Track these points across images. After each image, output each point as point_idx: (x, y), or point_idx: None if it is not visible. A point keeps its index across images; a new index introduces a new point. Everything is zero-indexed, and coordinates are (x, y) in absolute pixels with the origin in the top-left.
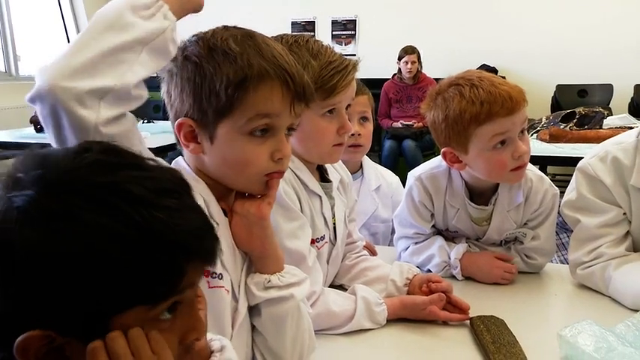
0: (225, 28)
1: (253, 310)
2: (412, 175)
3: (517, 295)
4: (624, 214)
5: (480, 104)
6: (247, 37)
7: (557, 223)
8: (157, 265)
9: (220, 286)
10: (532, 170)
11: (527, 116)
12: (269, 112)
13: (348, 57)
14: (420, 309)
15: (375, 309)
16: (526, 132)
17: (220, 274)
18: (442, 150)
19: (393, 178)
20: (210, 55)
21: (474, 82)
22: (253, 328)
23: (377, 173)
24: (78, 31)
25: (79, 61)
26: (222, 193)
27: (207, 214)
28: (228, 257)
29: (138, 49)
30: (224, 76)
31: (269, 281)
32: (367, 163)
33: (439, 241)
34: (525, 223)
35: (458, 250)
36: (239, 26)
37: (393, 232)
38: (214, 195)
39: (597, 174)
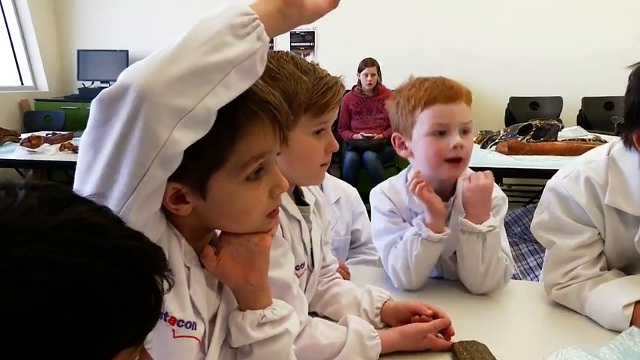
0: None
1: (238, 351)
2: (374, 192)
3: (494, 316)
4: (599, 233)
5: (423, 91)
6: None
7: (516, 234)
8: (144, 296)
9: (191, 336)
10: None
11: (470, 117)
12: (263, 152)
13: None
14: (422, 336)
15: (368, 343)
16: (470, 135)
17: (194, 322)
18: (392, 135)
19: (351, 190)
20: None
21: (429, 78)
22: None
23: (335, 186)
24: (23, 36)
25: (172, 73)
26: (195, 235)
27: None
28: (202, 304)
29: (227, 69)
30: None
31: (263, 316)
32: (325, 176)
33: None
34: None
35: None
36: None
37: (351, 244)
38: (185, 237)
39: (571, 194)
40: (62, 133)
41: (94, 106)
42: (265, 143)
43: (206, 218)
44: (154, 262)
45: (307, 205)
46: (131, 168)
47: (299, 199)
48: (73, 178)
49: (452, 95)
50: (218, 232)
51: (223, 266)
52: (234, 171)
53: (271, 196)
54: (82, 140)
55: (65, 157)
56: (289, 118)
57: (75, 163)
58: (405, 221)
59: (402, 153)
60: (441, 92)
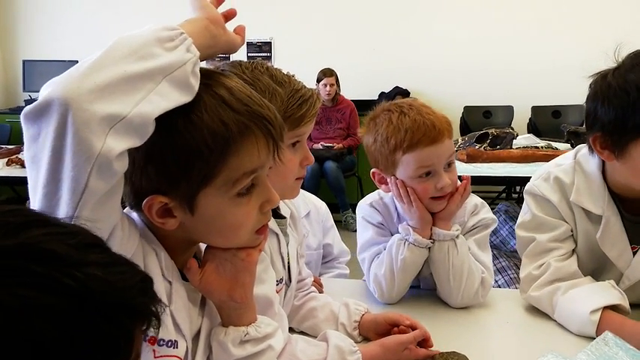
0: None
1: None
2: (362, 204)
3: (473, 326)
4: (572, 230)
5: (404, 131)
6: (202, 85)
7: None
8: (103, 336)
9: (172, 356)
10: (478, 198)
11: (453, 149)
12: (256, 168)
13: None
14: (403, 348)
15: (349, 358)
16: (454, 165)
17: (175, 341)
18: (372, 170)
19: (321, 204)
20: (174, 120)
21: (404, 109)
22: None
23: (305, 199)
24: None
25: (97, 80)
26: (179, 248)
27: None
28: (184, 320)
29: (157, 78)
30: (200, 143)
31: (246, 334)
32: None
33: None
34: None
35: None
36: None
37: (323, 258)
38: (167, 250)
39: (544, 193)
40: (8, 147)
41: (22, 122)
42: (258, 159)
43: (193, 233)
44: (127, 296)
45: (284, 218)
46: (69, 185)
47: (275, 213)
48: (20, 194)
49: (435, 137)
50: (202, 244)
51: (207, 280)
52: (224, 186)
53: (261, 211)
54: (25, 156)
55: (13, 172)
56: (283, 131)
57: (22, 178)
58: (392, 235)
59: (382, 188)
60: (424, 135)
